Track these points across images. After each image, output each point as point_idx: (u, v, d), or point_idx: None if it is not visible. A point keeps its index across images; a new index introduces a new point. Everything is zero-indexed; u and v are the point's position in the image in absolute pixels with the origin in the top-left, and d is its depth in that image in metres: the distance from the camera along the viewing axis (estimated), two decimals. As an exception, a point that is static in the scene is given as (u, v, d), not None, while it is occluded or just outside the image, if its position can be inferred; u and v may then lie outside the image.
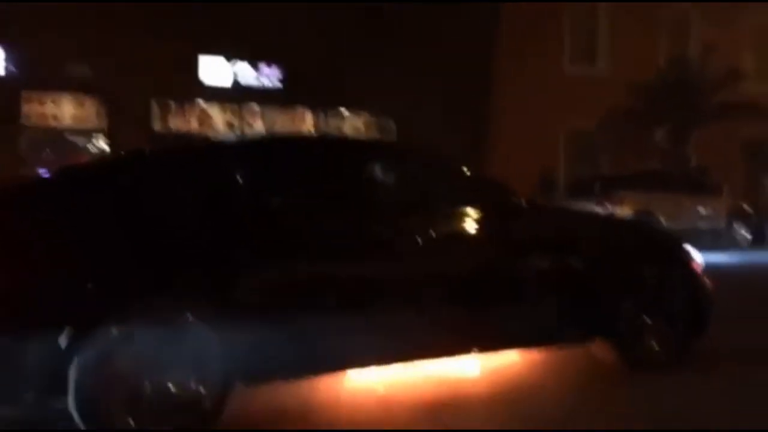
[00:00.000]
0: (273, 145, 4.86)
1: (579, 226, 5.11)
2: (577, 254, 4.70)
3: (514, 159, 17.34)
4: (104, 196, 3.84)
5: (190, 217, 3.86)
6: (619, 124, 19.23)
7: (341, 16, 17.35)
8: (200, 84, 18.00)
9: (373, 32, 17.31)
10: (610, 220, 7.79)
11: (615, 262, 4.78)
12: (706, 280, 5.07)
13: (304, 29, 16.90)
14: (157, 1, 15.89)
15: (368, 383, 4.47)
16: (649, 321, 4.81)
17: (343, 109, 19.47)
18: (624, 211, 13.77)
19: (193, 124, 18.43)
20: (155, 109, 17.97)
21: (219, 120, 18.65)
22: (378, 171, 4.54)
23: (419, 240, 4.27)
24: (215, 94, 18.32)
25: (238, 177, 4.01)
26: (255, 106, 18.78)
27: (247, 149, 4.62)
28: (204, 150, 4.85)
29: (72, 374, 3.31)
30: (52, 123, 17.32)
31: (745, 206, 16.86)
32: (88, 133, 17.66)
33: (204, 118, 18.49)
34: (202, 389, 3.56)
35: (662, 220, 13.72)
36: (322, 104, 18.94)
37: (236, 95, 18.41)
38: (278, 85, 18.63)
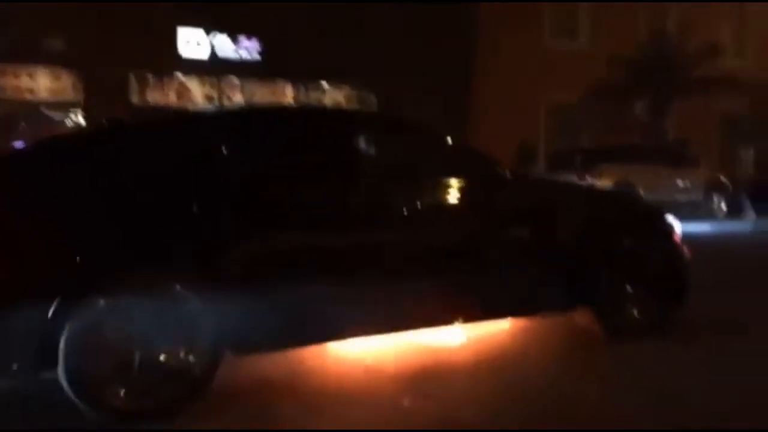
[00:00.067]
0: (255, 115, 4.84)
1: (562, 197, 5.15)
2: (560, 224, 4.75)
3: (495, 132, 17.36)
4: (87, 167, 3.82)
5: (174, 187, 3.85)
6: (600, 97, 19.31)
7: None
8: (179, 57, 17.79)
9: (353, 5, 17.18)
10: (593, 191, 7.84)
11: (597, 232, 4.83)
12: (686, 250, 5.15)
13: (283, 1, 16.74)
14: (136, -27, 15.67)
15: (354, 353, 4.52)
16: (630, 290, 4.89)
17: (323, 83, 19.36)
18: (604, 183, 13.88)
19: (172, 98, 18.24)
20: (133, 82, 17.75)
21: (198, 93, 18.47)
22: (361, 141, 4.54)
23: (403, 211, 4.29)
24: (194, 67, 18.11)
25: (221, 147, 4.00)
26: (234, 79, 18.61)
27: (229, 119, 4.60)
28: (187, 120, 4.83)
29: (62, 345, 3.32)
30: (28, 96, 17.07)
31: (723, 178, 17.05)
32: (64, 107, 17.42)
33: (183, 91, 18.30)
34: (191, 358, 3.60)
35: (641, 192, 13.84)
36: (303, 77, 18.81)
37: (215, 68, 18.22)
38: (258, 57, 18.46)
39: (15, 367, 3.41)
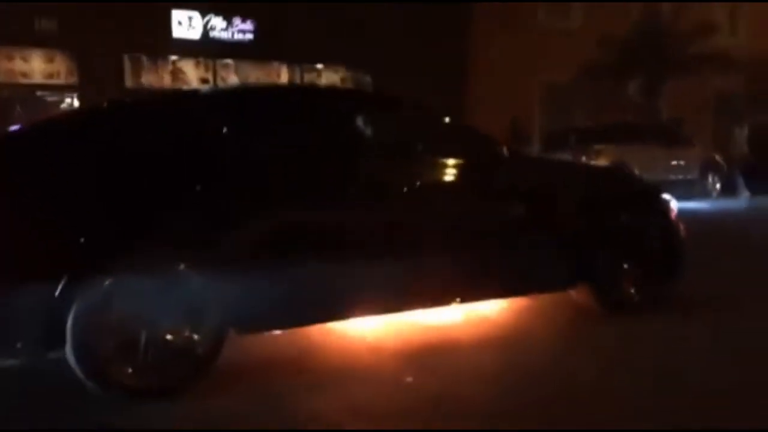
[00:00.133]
0: (255, 93, 4.87)
1: (559, 175, 5.19)
2: (557, 202, 4.79)
3: (489, 111, 17.35)
4: (92, 147, 3.85)
5: (177, 166, 3.88)
6: (593, 77, 19.31)
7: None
8: (173, 39, 17.71)
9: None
10: (590, 169, 7.87)
11: (594, 209, 4.87)
12: (682, 227, 5.20)
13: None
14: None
15: (357, 332, 4.57)
16: (627, 267, 4.94)
17: (319, 65, 19.31)
18: (599, 163, 13.91)
19: (167, 80, 18.19)
20: (128, 64, 17.68)
21: (193, 75, 18.41)
22: (360, 120, 4.55)
23: (403, 189, 4.32)
24: (189, 50, 18.04)
25: (223, 125, 4.02)
26: (229, 62, 18.56)
27: (230, 98, 4.63)
28: (188, 98, 4.86)
29: (69, 325, 3.37)
30: (22, 80, 16.99)
31: (717, 157, 17.11)
32: (59, 90, 17.36)
33: (177, 73, 18.24)
34: (195, 337, 3.64)
35: (636, 171, 13.89)
36: (298, 59, 18.75)
37: (210, 50, 18.14)
38: (253, 39, 18.39)
39: (19, 345, 3.45)
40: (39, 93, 17.20)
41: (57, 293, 3.34)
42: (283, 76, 18.98)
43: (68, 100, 17.27)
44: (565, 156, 13.36)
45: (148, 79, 17.92)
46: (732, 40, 21.77)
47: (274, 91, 5.21)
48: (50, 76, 17.24)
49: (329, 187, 4.18)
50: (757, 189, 15.17)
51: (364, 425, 3.22)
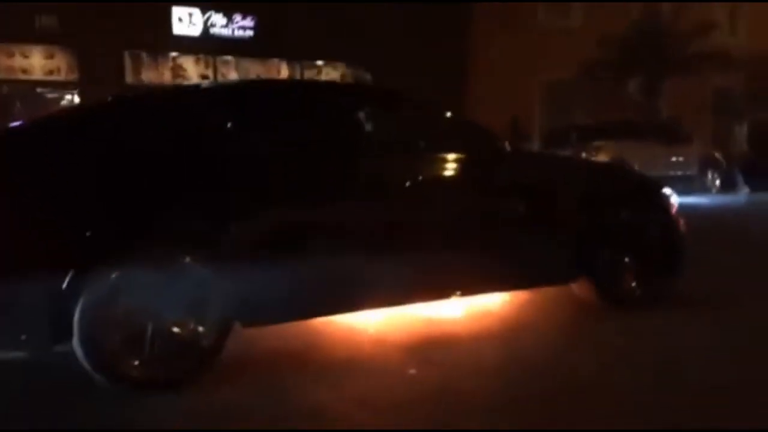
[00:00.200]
0: (259, 88, 4.88)
1: (561, 170, 5.21)
2: (559, 197, 4.82)
3: (490, 110, 17.38)
4: (98, 141, 3.87)
5: (183, 160, 3.91)
6: (593, 76, 19.34)
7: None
8: (174, 36, 17.74)
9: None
10: (591, 165, 7.89)
11: (596, 204, 4.89)
12: (682, 222, 5.22)
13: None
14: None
15: (361, 325, 4.60)
16: (628, 261, 4.97)
17: (319, 62, 19.33)
18: (599, 160, 13.94)
19: (167, 77, 18.22)
20: (128, 61, 17.71)
21: (193, 72, 18.46)
22: (362, 115, 4.58)
23: (405, 183, 4.33)
24: (189, 46, 18.08)
25: (228, 120, 4.05)
26: (229, 58, 18.59)
27: (233, 92, 4.66)
28: (193, 93, 4.88)
29: (76, 318, 3.40)
30: (22, 76, 17.02)
31: (717, 154, 17.17)
32: (59, 86, 17.39)
33: (178, 70, 18.27)
34: (200, 329, 3.67)
35: (636, 167, 13.93)
36: (298, 56, 18.78)
37: (210, 47, 18.20)
38: (253, 36, 18.41)
39: (25, 338, 3.48)
40: (39, 90, 17.23)
41: (64, 287, 3.37)
42: (283, 73, 19.02)
43: (68, 96, 17.30)
44: (566, 153, 13.40)
45: (149, 76, 17.97)
46: (731, 39, 21.81)
47: (275, 85, 5.22)
48: (51, 72, 17.29)
49: (332, 181, 4.20)
50: (757, 185, 15.24)
51: (369, 416, 3.25)
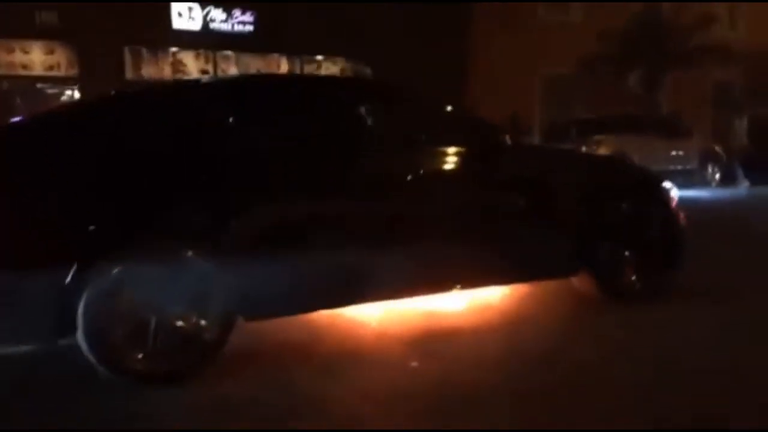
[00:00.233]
0: (261, 82, 4.89)
1: (562, 164, 5.22)
2: (560, 190, 4.82)
3: (491, 103, 17.39)
4: (98, 136, 3.89)
5: (185, 154, 3.93)
6: (593, 70, 19.34)
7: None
8: (174, 31, 17.74)
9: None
10: (592, 158, 7.90)
11: (596, 197, 4.90)
12: (682, 216, 5.24)
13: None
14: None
15: (363, 318, 4.62)
16: (628, 255, 4.99)
17: (319, 57, 19.33)
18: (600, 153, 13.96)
19: (167, 72, 18.21)
20: (128, 56, 17.71)
21: (192, 67, 18.45)
22: (364, 108, 4.59)
23: (407, 177, 4.34)
24: (189, 41, 18.07)
25: (230, 114, 4.06)
26: (229, 53, 18.58)
27: (235, 87, 4.66)
28: (194, 87, 4.89)
29: (80, 311, 3.42)
30: (22, 72, 17.02)
31: (717, 148, 17.18)
32: (59, 82, 17.39)
33: (178, 65, 18.27)
34: (203, 323, 3.69)
35: (636, 161, 13.95)
36: (297, 50, 18.77)
37: (210, 42, 18.18)
38: (253, 31, 18.40)
39: (30, 332, 3.51)
40: (39, 85, 17.23)
41: (68, 281, 3.39)
42: (283, 68, 19.01)
43: (69, 92, 17.30)
44: (567, 146, 13.42)
45: (149, 71, 17.97)
46: (732, 33, 21.83)
47: (276, 80, 5.23)
48: (51, 68, 17.28)
49: (333, 175, 4.21)
50: (757, 179, 15.26)
51: (371, 408, 3.27)
